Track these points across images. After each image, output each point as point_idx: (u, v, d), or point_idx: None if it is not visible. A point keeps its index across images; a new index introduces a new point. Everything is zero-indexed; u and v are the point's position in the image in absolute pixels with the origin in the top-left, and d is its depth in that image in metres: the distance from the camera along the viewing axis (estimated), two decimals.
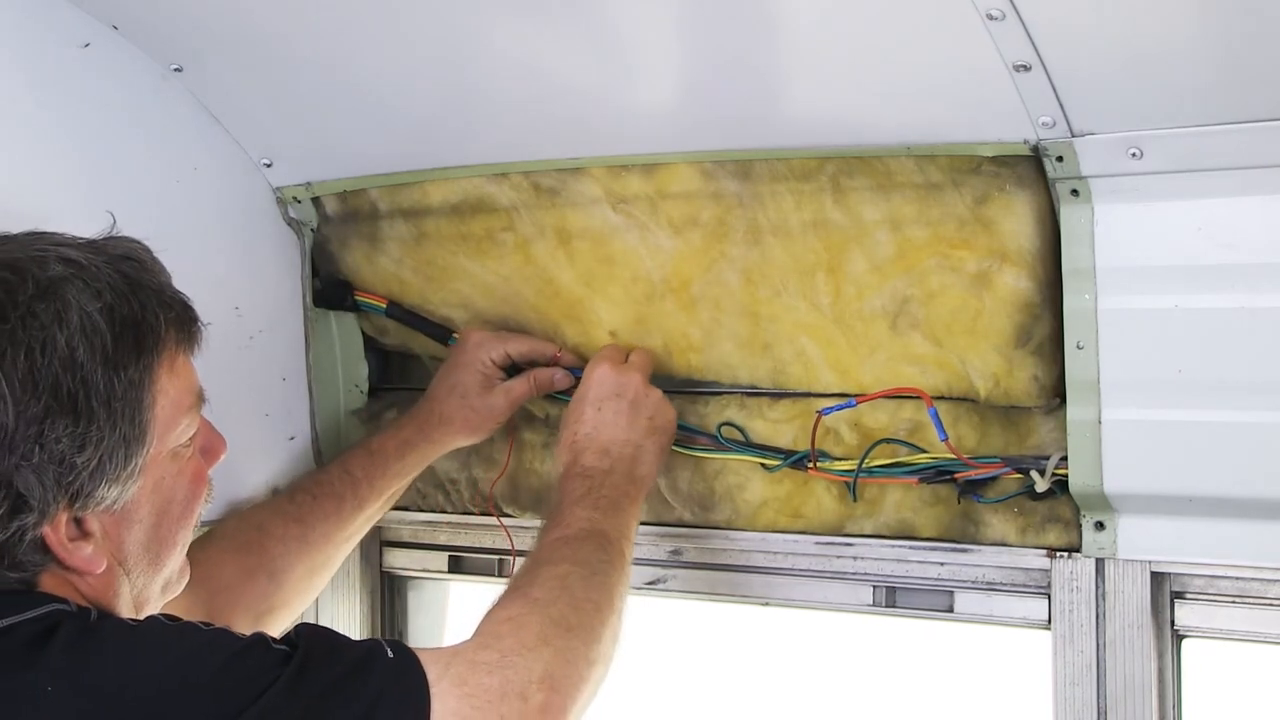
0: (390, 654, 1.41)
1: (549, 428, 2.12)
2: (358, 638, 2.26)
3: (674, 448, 2.01)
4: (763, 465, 1.97)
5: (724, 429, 1.98)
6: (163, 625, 1.39)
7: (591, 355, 2.02)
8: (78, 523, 1.39)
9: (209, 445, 1.56)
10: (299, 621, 1.49)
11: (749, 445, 1.97)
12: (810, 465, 1.91)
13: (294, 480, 2.07)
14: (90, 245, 1.44)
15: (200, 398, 1.52)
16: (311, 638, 1.40)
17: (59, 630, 1.32)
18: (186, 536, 1.53)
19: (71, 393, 1.35)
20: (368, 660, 1.39)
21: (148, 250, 1.48)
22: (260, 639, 1.37)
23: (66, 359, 1.35)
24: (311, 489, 2.01)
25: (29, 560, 1.37)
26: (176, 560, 1.53)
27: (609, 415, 1.88)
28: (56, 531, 1.37)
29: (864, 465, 1.87)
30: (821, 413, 1.89)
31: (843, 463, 1.90)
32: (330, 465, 2.07)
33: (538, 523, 2.12)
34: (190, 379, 1.50)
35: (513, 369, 2.07)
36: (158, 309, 1.44)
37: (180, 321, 1.48)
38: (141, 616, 1.51)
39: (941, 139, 1.70)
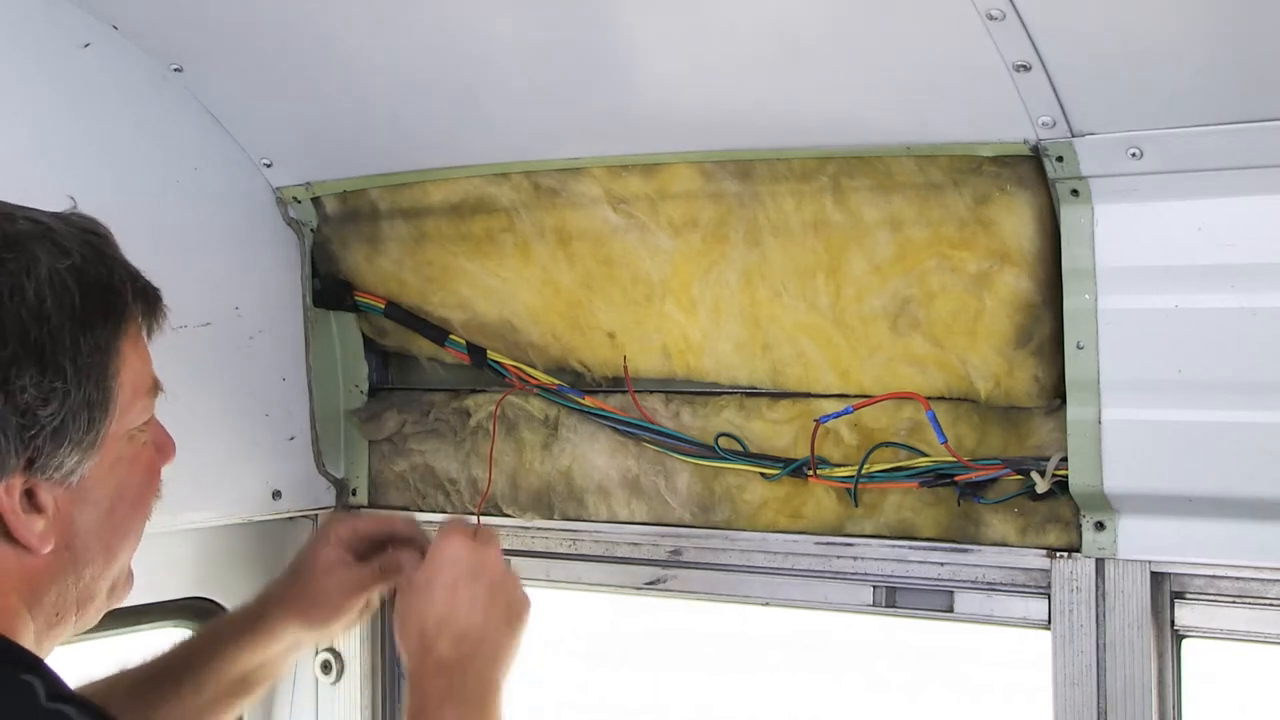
0: None
1: (548, 428, 2.12)
2: (357, 641, 2.29)
3: (674, 455, 2.01)
4: (762, 475, 1.96)
5: (722, 440, 1.98)
6: None
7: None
8: (30, 495, 1.33)
9: (161, 443, 1.50)
10: None
11: (747, 455, 1.97)
12: (810, 473, 1.91)
13: (143, 659, 1.87)
14: (55, 214, 1.40)
15: (157, 386, 1.46)
16: None
17: None
18: (140, 529, 1.47)
19: (39, 343, 1.30)
20: None
21: (108, 229, 1.44)
22: None
23: (35, 309, 1.31)
24: (153, 670, 1.84)
25: None
26: (127, 556, 1.46)
27: (464, 599, 1.70)
28: (10, 496, 1.31)
29: (863, 471, 1.87)
30: (819, 420, 1.89)
31: (842, 469, 1.90)
32: (180, 644, 1.90)
33: (538, 523, 2.13)
34: (149, 363, 1.45)
35: (371, 552, 1.93)
36: (125, 279, 1.41)
37: (145, 297, 1.43)
38: (86, 618, 1.45)
39: (941, 139, 1.71)
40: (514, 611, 1.75)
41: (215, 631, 1.90)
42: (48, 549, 1.35)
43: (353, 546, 1.91)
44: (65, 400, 1.32)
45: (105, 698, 1.74)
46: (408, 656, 1.70)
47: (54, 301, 1.33)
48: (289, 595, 1.90)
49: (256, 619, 1.89)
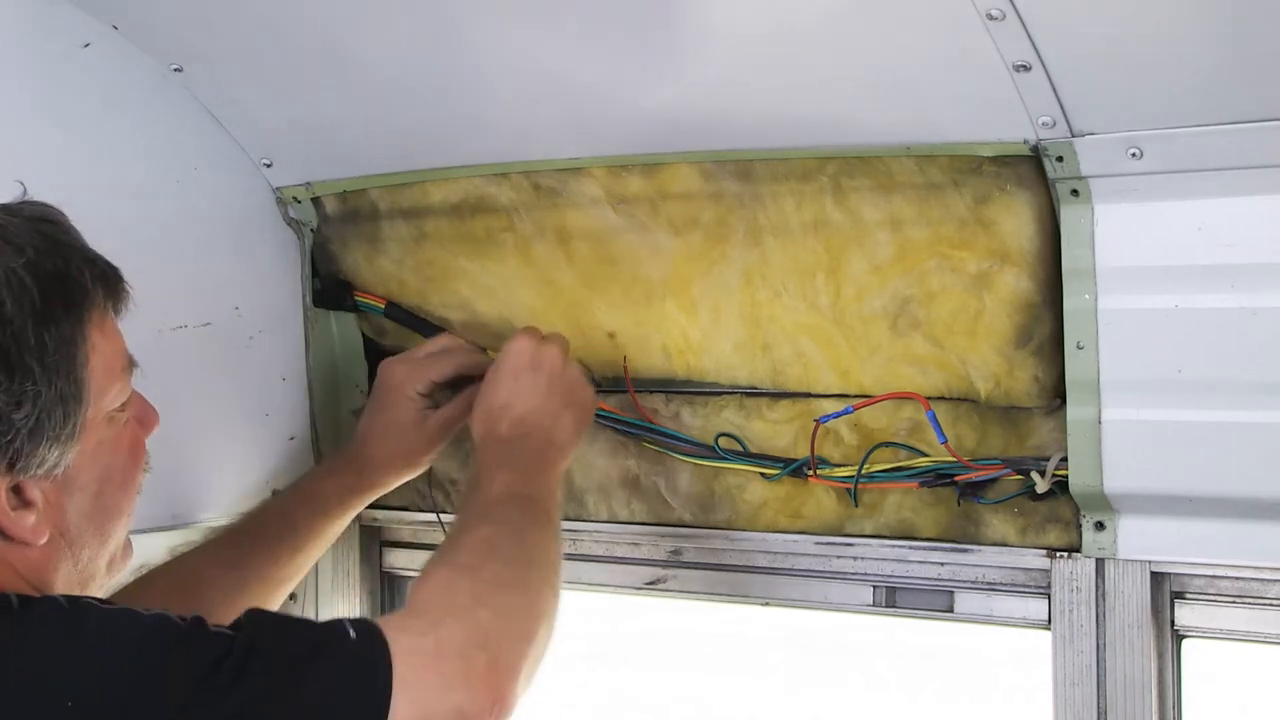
0: (353, 634, 1.36)
1: None
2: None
3: (674, 455, 2.02)
4: (762, 475, 1.96)
5: (721, 440, 1.98)
6: (95, 609, 1.34)
7: None
8: (17, 491, 1.36)
9: (143, 415, 1.52)
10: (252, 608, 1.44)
11: (747, 455, 1.97)
12: (810, 473, 1.91)
13: (232, 522, 2.00)
14: (4, 208, 1.42)
15: (131, 363, 1.48)
16: (259, 624, 1.36)
17: None
18: (130, 507, 1.50)
19: (4, 347, 1.32)
20: (320, 645, 1.35)
21: (62, 214, 1.45)
22: (199, 624, 1.33)
23: None
24: (249, 532, 1.94)
25: None
26: (122, 533, 1.49)
27: (525, 386, 1.84)
28: None
29: (863, 471, 1.87)
30: (819, 420, 1.89)
31: (842, 469, 1.90)
32: (268, 506, 2.02)
33: None
34: (120, 342, 1.46)
35: (443, 389, 2.03)
36: (82, 265, 1.41)
37: (106, 279, 1.44)
38: (89, 595, 1.46)
39: (941, 139, 1.70)
40: (572, 398, 1.87)
41: (315, 496, 2.00)
42: (43, 540, 1.38)
43: (429, 394, 2.01)
44: (37, 400, 1.34)
45: (203, 564, 1.87)
46: (475, 439, 1.85)
47: (13, 303, 1.33)
48: (386, 455, 2.01)
49: (363, 480, 2.01)
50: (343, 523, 2.04)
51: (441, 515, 2.16)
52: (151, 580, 1.82)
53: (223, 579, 1.87)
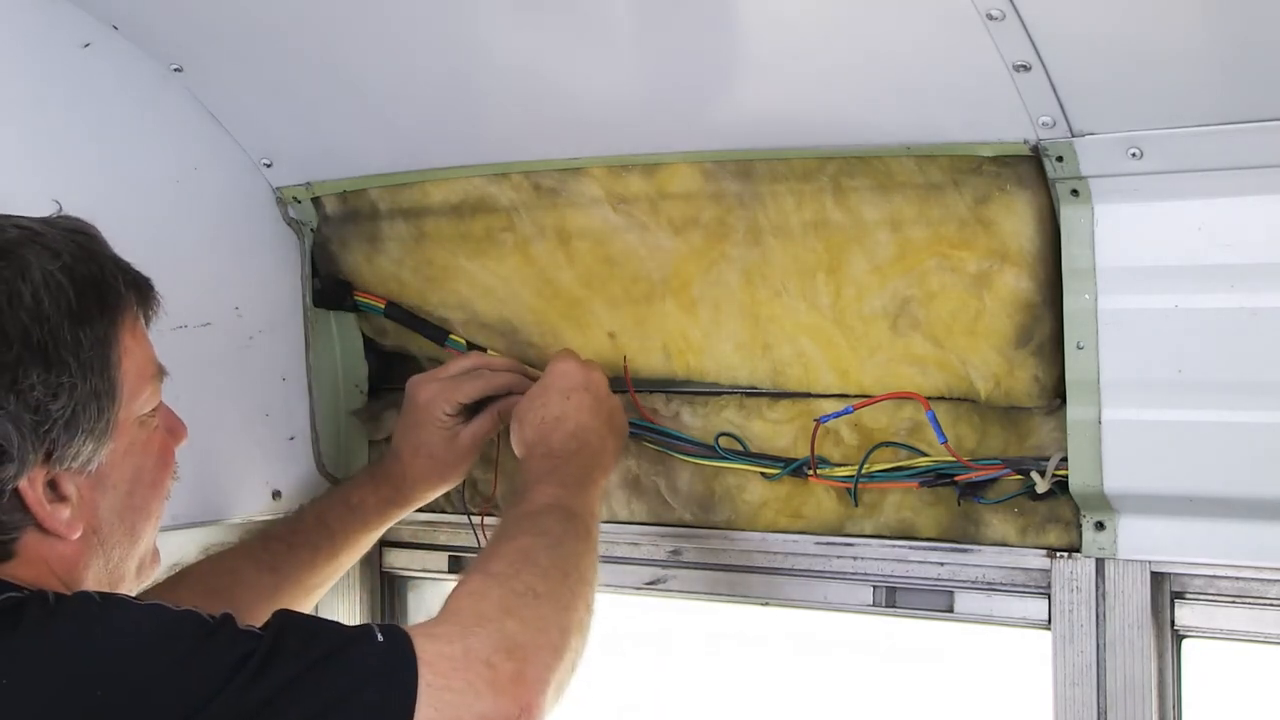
0: (380, 638, 1.38)
1: None
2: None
3: (672, 454, 2.02)
4: (762, 475, 1.96)
5: (722, 440, 1.98)
6: (126, 604, 1.38)
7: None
8: (53, 486, 1.40)
9: (173, 426, 1.58)
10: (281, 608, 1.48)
11: (748, 455, 1.97)
12: (810, 473, 1.91)
13: (268, 525, 2.03)
14: (41, 219, 1.47)
15: (161, 371, 1.53)
16: (286, 624, 1.39)
17: (19, 613, 1.32)
18: (159, 510, 1.54)
19: (41, 342, 1.37)
20: (347, 646, 1.37)
21: (95, 227, 1.50)
22: (228, 621, 1.36)
23: (34, 311, 1.37)
24: (287, 538, 1.98)
25: (8, 520, 1.38)
26: (151, 535, 1.54)
27: (576, 404, 1.89)
28: (34, 488, 1.38)
29: (863, 470, 1.87)
30: (819, 420, 1.89)
31: (842, 468, 1.90)
32: (305, 513, 2.04)
33: None
34: (150, 349, 1.52)
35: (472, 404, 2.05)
36: (115, 271, 1.47)
37: (138, 286, 1.50)
38: None
39: (941, 139, 1.70)
40: (615, 422, 1.94)
41: (355, 506, 2.04)
42: (76, 535, 1.43)
43: (459, 412, 2.03)
44: (73, 393, 1.39)
45: (239, 563, 1.92)
46: (524, 448, 1.89)
47: (51, 302, 1.39)
48: (421, 471, 2.04)
49: (401, 494, 2.05)
50: (379, 534, 2.08)
51: (473, 518, 2.16)
52: (185, 577, 1.86)
53: (257, 581, 1.91)
